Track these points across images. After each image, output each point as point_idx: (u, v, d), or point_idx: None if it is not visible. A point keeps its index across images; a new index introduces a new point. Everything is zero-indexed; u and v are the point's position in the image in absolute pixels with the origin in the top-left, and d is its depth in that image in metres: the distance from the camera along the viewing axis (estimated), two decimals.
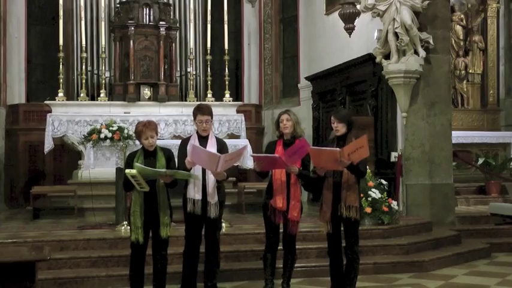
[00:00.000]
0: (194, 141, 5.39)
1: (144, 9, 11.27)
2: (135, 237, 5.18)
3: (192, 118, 5.59)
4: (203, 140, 5.43)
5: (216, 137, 5.60)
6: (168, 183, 5.19)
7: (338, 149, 5.06)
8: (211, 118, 5.47)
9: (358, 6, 9.26)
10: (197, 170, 5.34)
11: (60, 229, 7.39)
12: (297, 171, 5.31)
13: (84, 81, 11.05)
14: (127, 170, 5.04)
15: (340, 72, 10.57)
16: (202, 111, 5.42)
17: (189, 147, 5.24)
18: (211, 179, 5.34)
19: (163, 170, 5.10)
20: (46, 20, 12.43)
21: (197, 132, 5.49)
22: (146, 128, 5.20)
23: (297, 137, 5.43)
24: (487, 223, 8.74)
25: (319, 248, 6.61)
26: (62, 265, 6.25)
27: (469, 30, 11.08)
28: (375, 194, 7.43)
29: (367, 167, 5.76)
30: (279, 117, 5.52)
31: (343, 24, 9.64)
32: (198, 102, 10.96)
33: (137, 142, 7.48)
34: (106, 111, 10.29)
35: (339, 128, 5.28)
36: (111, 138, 7.43)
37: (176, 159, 5.41)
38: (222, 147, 5.47)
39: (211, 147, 5.39)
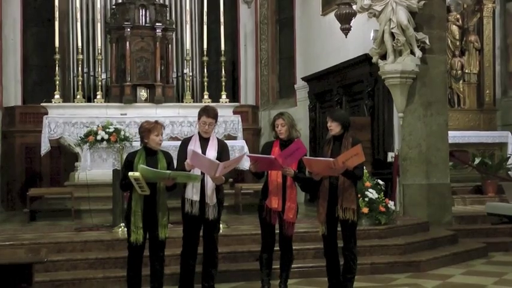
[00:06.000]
0: (195, 142, 5.39)
1: (140, 10, 11.25)
2: (136, 237, 5.16)
3: (191, 119, 5.57)
4: (204, 141, 5.42)
5: (217, 138, 5.59)
6: (168, 187, 5.19)
7: (331, 159, 5.04)
8: (215, 122, 5.48)
9: (354, 7, 9.27)
10: (196, 171, 5.32)
11: (57, 231, 7.37)
12: (292, 174, 5.30)
13: (80, 83, 11.00)
14: (130, 173, 5.01)
15: (336, 72, 10.58)
16: (207, 113, 5.41)
17: (189, 151, 5.24)
18: (210, 181, 5.33)
19: (168, 171, 5.10)
20: (42, 22, 12.41)
21: (199, 133, 5.48)
22: (157, 124, 5.26)
23: (294, 139, 5.42)
24: (483, 223, 8.75)
25: (316, 249, 6.59)
26: (59, 267, 6.22)
27: (465, 30, 11.10)
28: (372, 194, 7.43)
29: (364, 167, 5.76)
30: (274, 120, 5.50)
31: (339, 25, 9.63)
32: (195, 104, 11.06)
33: (134, 144, 7.51)
34: (102, 113, 10.25)
35: (333, 127, 5.27)
36: (108, 140, 7.44)
37: (176, 159, 5.40)
38: (222, 149, 5.47)
39: (212, 148, 5.39)
